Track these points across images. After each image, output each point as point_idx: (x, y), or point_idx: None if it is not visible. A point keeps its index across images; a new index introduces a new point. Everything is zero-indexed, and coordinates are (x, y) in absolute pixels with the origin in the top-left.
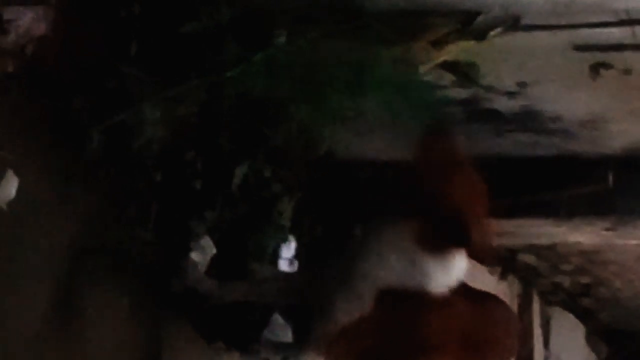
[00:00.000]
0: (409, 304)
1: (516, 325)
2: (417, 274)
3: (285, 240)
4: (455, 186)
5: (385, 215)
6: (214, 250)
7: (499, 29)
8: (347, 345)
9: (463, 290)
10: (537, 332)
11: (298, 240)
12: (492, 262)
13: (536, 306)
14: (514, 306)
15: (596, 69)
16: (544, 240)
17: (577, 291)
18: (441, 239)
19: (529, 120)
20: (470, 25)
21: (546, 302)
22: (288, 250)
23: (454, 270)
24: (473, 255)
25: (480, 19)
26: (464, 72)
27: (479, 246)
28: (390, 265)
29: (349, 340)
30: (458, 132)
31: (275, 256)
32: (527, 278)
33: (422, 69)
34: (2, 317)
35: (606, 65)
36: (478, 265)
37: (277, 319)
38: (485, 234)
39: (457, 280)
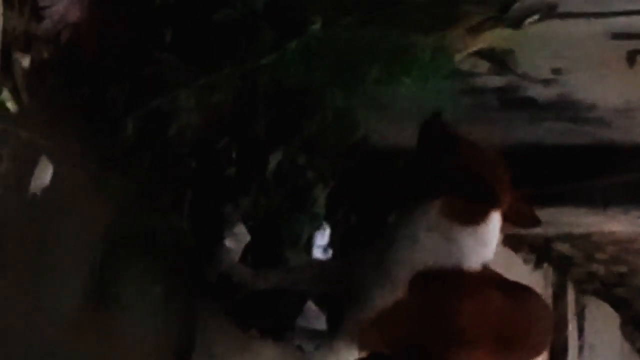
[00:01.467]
0: (443, 289)
1: (550, 319)
2: (453, 250)
3: (319, 228)
4: (472, 159)
5: (415, 198)
6: (248, 238)
7: (535, 17)
8: (381, 333)
9: (498, 282)
10: (572, 321)
11: (332, 228)
12: (532, 222)
13: (571, 295)
14: (548, 295)
15: (633, 56)
16: (578, 229)
17: (612, 280)
18: (471, 207)
19: (564, 108)
20: (506, 13)
21: (581, 291)
22: (322, 238)
23: (489, 240)
24: (509, 218)
25: (516, 6)
26: (499, 59)
27: (509, 205)
28: (424, 245)
29: (383, 328)
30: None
31: (310, 244)
32: (562, 267)
33: (458, 56)
34: (37, 305)
35: None
36: (513, 255)
37: (311, 306)
38: (512, 192)
39: (492, 253)
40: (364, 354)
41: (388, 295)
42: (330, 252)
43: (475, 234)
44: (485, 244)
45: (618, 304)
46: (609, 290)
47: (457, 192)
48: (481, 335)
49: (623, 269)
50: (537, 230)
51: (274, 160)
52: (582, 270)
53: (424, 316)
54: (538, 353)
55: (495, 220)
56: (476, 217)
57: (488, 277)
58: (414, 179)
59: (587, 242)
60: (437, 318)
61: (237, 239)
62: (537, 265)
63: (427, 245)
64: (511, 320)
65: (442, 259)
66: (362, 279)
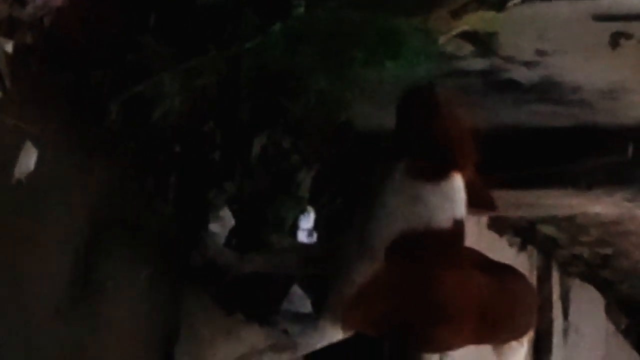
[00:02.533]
0: (420, 256)
1: (535, 299)
2: (420, 209)
3: (304, 211)
4: (438, 123)
5: (382, 164)
6: (233, 222)
7: None
8: (364, 309)
9: (482, 262)
10: (557, 303)
11: (317, 212)
12: (488, 205)
13: (555, 277)
14: (533, 278)
15: (616, 38)
16: (563, 212)
17: (597, 262)
18: (431, 164)
19: (548, 90)
20: None
21: (566, 273)
22: (307, 221)
23: (454, 196)
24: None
25: None
26: (483, 42)
27: (469, 182)
28: (392, 209)
29: (366, 304)
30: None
31: (295, 227)
32: (547, 249)
33: (441, 39)
34: (22, 290)
35: (626, 35)
36: (498, 238)
37: (296, 290)
38: (474, 164)
39: (461, 210)
40: (348, 334)
41: (367, 267)
42: (315, 235)
43: (439, 190)
44: (451, 200)
45: (603, 286)
46: (593, 273)
47: (418, 152)
48: (464, 311)
49: (608, 251)
50: (522, 213)
51: (258, 144)
52: (567, 253)
53: (405, 288)
54: (523, 333)
55: (457, 179)
56: (437, 174)
57: (471, 256)
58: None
59: (571, 225)
60: (417, 289)
61: (222, 223)
62: (522, 247)
63: (395, 208)
64: (495, 300)
65: (412, 221)
66: (343, 256)
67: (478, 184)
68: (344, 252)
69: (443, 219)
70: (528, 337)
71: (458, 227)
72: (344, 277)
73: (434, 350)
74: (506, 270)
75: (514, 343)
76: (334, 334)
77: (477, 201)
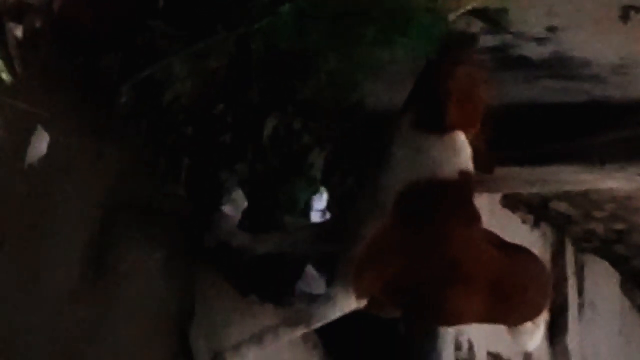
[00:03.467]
0: (429, 209)
1: (549, 281)
2: (425, 160)
3: (316, 192)
4: (449, 80)
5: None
6: (246, 203)
7: None
8: (375, 271)
9: (496, 240)
10: (571, 279)
11: (330, 192)
12: (486, 166)
13: (569, 254)
14: (547, 254)
15: (626, 12)
16: (576, 187)
17: (611, 238)
18: (435, 117)
19: (559, 66)
20: None
21: (579, 249)
22: (320, 202)
23: (458, 148)
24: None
25: None
26: (492, 18)
27: (469, 131)
28: (398, 160)
29: (376, 264)
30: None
31: (307, 208)
32: (560, 226)
33: (452, 16)
34: (36, 274)
35: (636, 9)
36: (511, 215)
37: (311, 270)
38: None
39: (466, 163)
40: (362, 303)
41: (376, 221)
42: (328, 216)
43: (442, 143)
44: (454, 152)
45: (617, 262)
46: (608, 248)
47: (425, 105)
48: (476, 275)
49: (622, 226)
50: (534, 189)
51: (269, 125)
52: (581, 229)
53: (415, 245)
54: (537, 313)
55: (460, 135)
56: (440, 127)
57: (483, 232)
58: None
59: (585, 200)
60: (427, 246)
61: (235, 205)
62: (535, 224)
63: (401, 160)
64: (508, 274)
65: (417, 172)
66: (354, 216)
67: (480, 148)
68: (354, 212)
69: (447, 170)
70: (543, 318)
71: (465, 179)
72: (354, 234)
73: (448, 320)
74: (519, 249)
75: (529, 324)
76: (347, 303)
77: (475, 164)
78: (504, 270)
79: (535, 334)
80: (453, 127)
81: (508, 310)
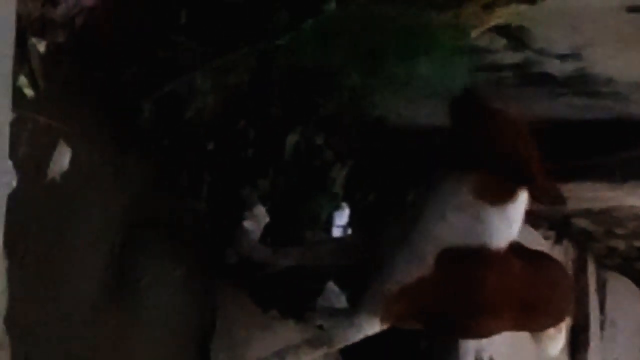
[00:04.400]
0: (469, 263)
1: (571, 285)
2: (480, 230)
3: (338, 207)
4: (506, 134)
5: (444, 172)
6: (267, 219)
7: None
8: (406, 305)
9: (519, 250)
10: (593, 296)
11: (351, 208)
12: (559, 200)
13: (591, 271)
14: (570, 271)
15: None
16: (598, 204)
17: (633, 255)
18: (502, 185)
19: (582, 83)
20: None
21: (601, 266)
22: (341, 217)
23: (516, 219)
24: (537, 196)
25: None
26: (515, 35)
27: (541, 184)
28: (452, 224)
29: (408, 300)
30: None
31: (329, 224)
32: (582, 242)
33: (474, 33)
34: (59, 288)
35: None
36: (532, 231)
37: (332, 286)
38: (544, 172)
39: (517, 231)
40: (386, 326)
41: (414, 270)
42: (349, 231)
43: (503, 214)
44: (513, 224)
45: (639, 278)
46: (629, 265)
47: (490, 169)
48: (505, 303)
49: None
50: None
51: (291, 140)
52: (603, 246)
53: (450, 289)
54: (561, 318)
55: (523, 198)
56: (505, 196)
57: (509, 246)
58: (445, 153)
59: (607, 217)
60: (462, 290)
61: (256, 220)
62: (557, 241)
63: (455, 224)
64: (533, 287)
65: (470, 238)
66: (386, 252)
67: (546, 183)
68: (386, 247)
69: (500, 241)
70: (566, 324)
71: (510, 246)
72: (387, 275)
73: (473, 337)
74: (541, 256)
75: (551, 330)
76: (371, 328)
77: (548, 199)
78: (530, 284)
79: (558, 339)
80: (523, 190)
81: (534, 319)
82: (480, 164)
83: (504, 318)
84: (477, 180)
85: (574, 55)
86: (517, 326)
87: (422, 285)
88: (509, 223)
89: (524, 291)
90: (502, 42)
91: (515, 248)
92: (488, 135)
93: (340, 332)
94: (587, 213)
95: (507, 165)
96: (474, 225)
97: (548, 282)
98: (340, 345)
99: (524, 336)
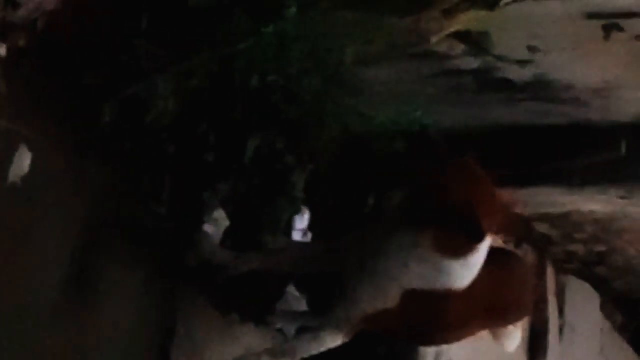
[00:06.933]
0: (434, 297)
1: (532, 280)
2: (443, 277)
3: (298, 211)
4: (461, 190)
5: (403, 222)
6: (227, 223)
7: None
8: (371, 325)
9: None
10: (552, 300)
11: (311, 212)
12: (517, 231)
13: (550, 275)
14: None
15: (608, 30)
16: (557, 209)
17: (592, 259)
18: (461, 240)
19: (541, 88)
20: None
21: (560, 270)
22: (301, 221)
23: (479, 263)
24: (501, 232)
25: None
26: (475, 41)
27: (496, 229)
28: (415, 272)
29: (373, 323)
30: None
31: (289, 227)
32: (541, 247)
33: (434, 38)
34: (18, 291)
35: (618, 27)
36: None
37: (292, 290)
38: (503, 213)
39: (478, 271)
40: (347, 338)
41: (379, 304)
42: (309, 235)
43: (466, 264)
44: (474, 268)
45: (598, 283)
46: (588, 270)
47: (448, 227)
48: (471, 315)
49: (602, 248)
50: (516, 210)
51: (252, 145)
52: (561, 250)
53: (416, 316)
54: (524, 314)
55: (485, 246)
56: (466, 250)
57: None
58: (402, 210)
59: (566, 222)
60: (428, 316)
61: (217, 224)
62: (517, 245)
63: (418, 272)
64: (497, 289)
65: (434, 285)
66: (347, 278)
67: (509, 219)
68: (348, 275)
69: (464, 284)
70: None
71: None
72: (351, 304)
73: (437, 345)
74: (503, 253)
75: (510, 327)
76: (334, 342)
77: (512, 232)
78: (494, 287)
79: (515, 335)
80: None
81: (499, 320)
82: (436, 221)
83: (469, 327)
84: (436, 235)
85: (533, 61)
86: (483, 329)
87: (387, 313)
88: (474, 269)
89: (489, 296)
90: (462, 47)
91: None
92: (442, 192)
93: (303, 345)
94: (546, 217)
95: (462, 225)
96: (437, 276)
97: (511, 281)
98: (302, 356)
99: (483, 336)
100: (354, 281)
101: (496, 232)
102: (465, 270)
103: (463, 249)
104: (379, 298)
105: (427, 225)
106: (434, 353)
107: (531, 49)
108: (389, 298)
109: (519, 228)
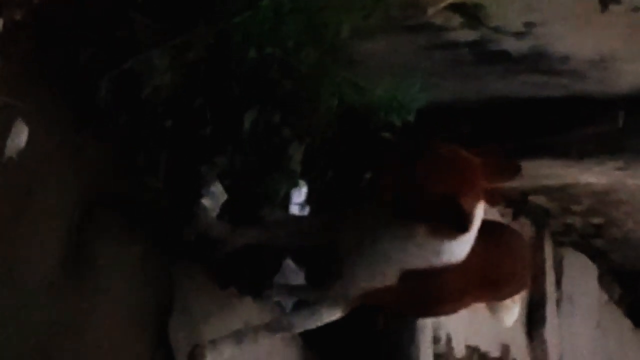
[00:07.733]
0: (432, 273)
1: (529, 253)
2: (441, 256)
3: (295, 185)
4: (438, 179)
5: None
6: (225, 196)
7: None
8: (369, 301)
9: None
10: (549, 273)
11: (309, 185)
12: (514, 172)
13: (548, 247)
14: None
15: (606, 2)
16: (554, 182)
17: (589, 232)
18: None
19: (538, 61)
20: None
21: (558, 243)
22: (299, 195)
23: (471, 239)
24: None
25: None
26: (471, 13)
27: (489, 172)
28: (414, 255)
29: (371, 298)
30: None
31: (286, 201)
32: (539, 220)
33: (430, 11)
34: (15, 267)
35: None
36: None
37: (289, 263)
38: (486, 176)
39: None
40: (345, 313)
41: (378, 283)
42: (307, 209)
43: (462, 240)
44: (468, 244)
45: (595, 255)
46: (586, 242)
47: (436, 219)
48: (468, 287)
49: (600, 220)
50: (513, 184)
51: (249, 118)
52: (559, 223)
53: (414, 292)
54: (521, 287)
55: (478, 219)
56: (459, 233)
57: None
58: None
59: (563, 194)
60: (426, 291)
61: (214, 198)
62: (514, 218)
63: (417, 254)
64: (494, 262)
65: (433, 263)
66: (346, 257)
67: (496, 165)
68: (344, 253)
69: (461, 257)
70: (521, 295)
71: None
72: (350, 281)
73: (435, 317)
74: (500, 227)
75: (507, 301)
76: (331, 317)
77: (505, 176)
78: (491, 260)
79: (513, 310)
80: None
81: (496, 292)
82: (425, 215)
83: (467, 299)
84: (430, 227)
85: (530, 33)
86: (480, 301)
87: (385, 290)
88: (469, 243)
89: (486, 269)
90: (458, 19)
91: None
92: (420, 186)
93: (301, 319)
94: (544, 190)
95: (448, 216)
96: (435, 256)
97: (509, 254)
98: (299, 331)
99: (481, 310)
100: (351, 261)
101: (489, 203)
102: (462, 245)
103: (458, 231)
104: (378, 278)
105: (417, 219)
106: (433, 327)
107: (527, 21)
108: (388, 277)
109: (505, 196)
